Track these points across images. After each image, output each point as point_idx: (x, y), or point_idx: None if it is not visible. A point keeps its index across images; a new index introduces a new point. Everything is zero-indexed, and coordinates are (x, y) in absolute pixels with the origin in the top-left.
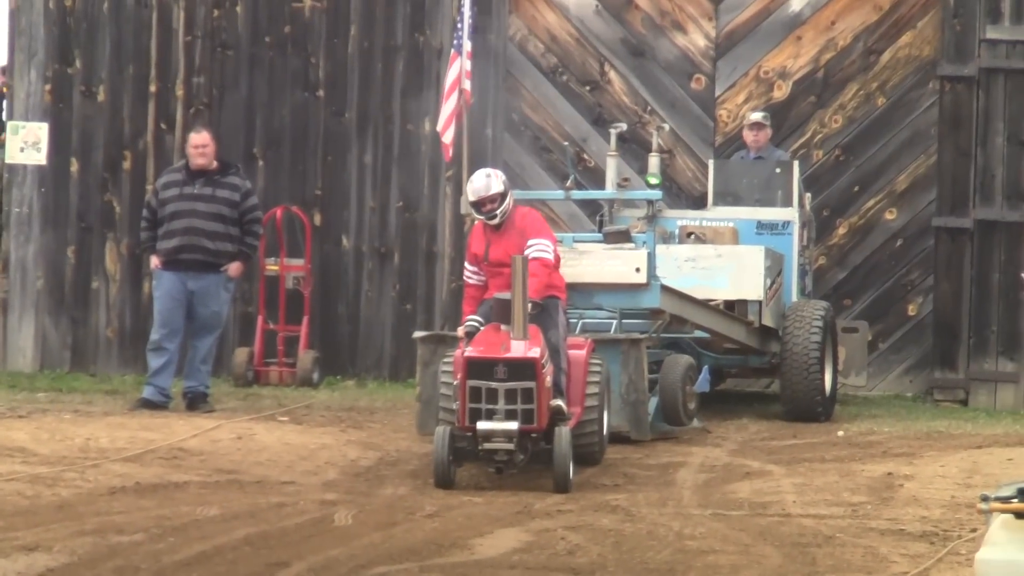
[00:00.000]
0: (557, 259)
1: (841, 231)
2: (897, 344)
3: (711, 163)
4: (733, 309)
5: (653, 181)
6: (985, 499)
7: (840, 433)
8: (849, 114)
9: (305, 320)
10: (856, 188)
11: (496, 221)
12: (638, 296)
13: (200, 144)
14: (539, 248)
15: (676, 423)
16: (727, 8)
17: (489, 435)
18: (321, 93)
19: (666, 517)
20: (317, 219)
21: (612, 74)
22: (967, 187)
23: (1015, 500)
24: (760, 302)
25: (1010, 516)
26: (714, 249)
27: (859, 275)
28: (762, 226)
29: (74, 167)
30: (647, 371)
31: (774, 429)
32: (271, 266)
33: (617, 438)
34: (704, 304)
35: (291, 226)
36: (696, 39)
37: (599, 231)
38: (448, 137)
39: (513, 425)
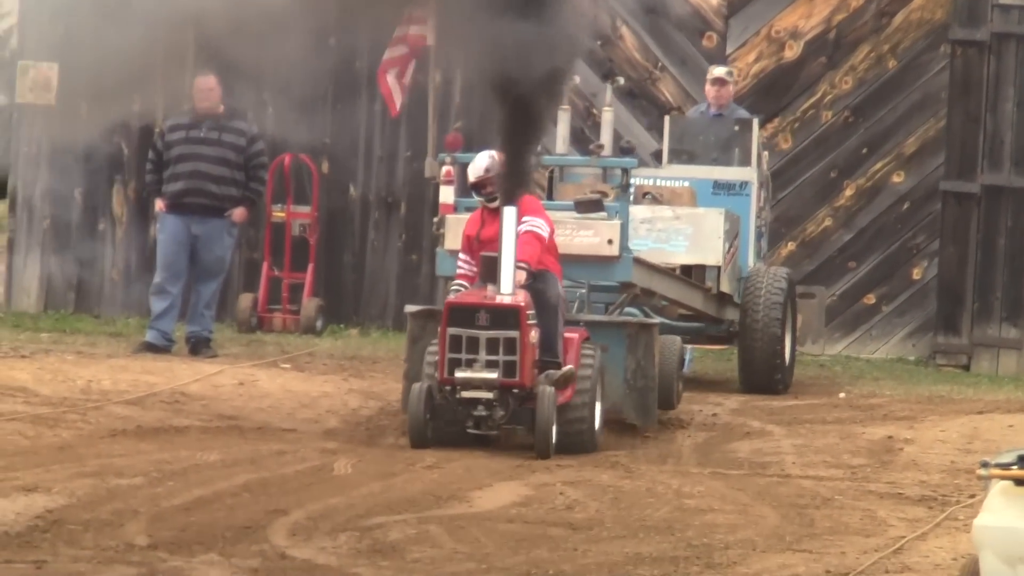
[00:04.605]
0: (553, 244)
1: (848, 193)
2: (901, 308)
3: (667, 118)
4: (689, 274)
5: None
6: (985, 465)
7: (841, 395)
8: (859, 76)
9: (310, 268)
10: (864, 150)
11: (496, 204)
12: (609, 269)
13: (206, 87)
14: (532, 223)
15: (668, 407)
16: None
17: (467, 384)
18: (332, 41)
19: (665, 475)
20: (325, 167)
21: (624, 29)
22: (975, 152)
23: (1015, 467)
24: (719, 267)
25: (1010, 483)
26: (672, 211)
27: (865, 237)
28: (718, 186)
29: (84, 108)
30: (657, 356)
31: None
32: (277, 212)
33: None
34: (670, 274)
35: (298, 173)
36: None
37: (547, 192)
38: (395, 94)
39: (493, 375)
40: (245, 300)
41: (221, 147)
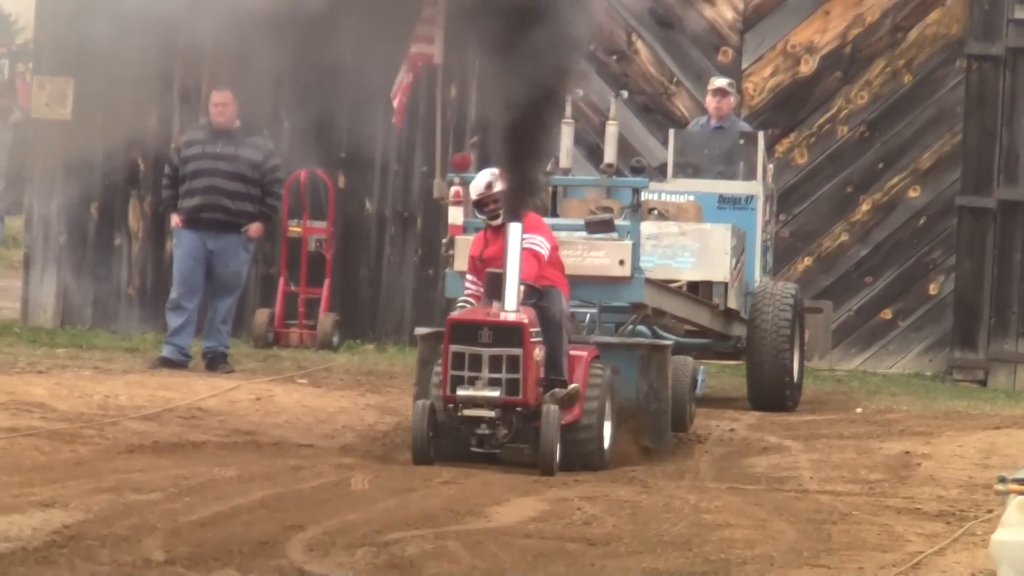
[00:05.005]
0: (557, 260)
1: (864, 208)
2: (917, 323)
3: (671, 132)
4: (696, 290)
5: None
6: (1002, 480)
7: (858, 410)
8: (875, 90)
9: (326, 283)
10: (880, 165)
11: (498, 221)
12: (620, 290)
13: (220, 102)
14: (531, 241)
15: (680, 429)
16: None
17: (469, 402)
18: (348, 56)
19: (683, 490)
20: (341, 182)
21: (639, 44)
22: (991, 167)
23: None
24: (726, 284)
25: None
26: (678, 227)
27: (881, 252)
28: (724, 200)
29: (99, 123)
30: (671, 378)
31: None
32: (294, 228)
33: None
34: (679, 292)
35: (315, 188)
36: (724, 11)
37: (551, 207)
38: (395, 104)
39: (496, 393)
40: (261, 315)
41: (237, 162)
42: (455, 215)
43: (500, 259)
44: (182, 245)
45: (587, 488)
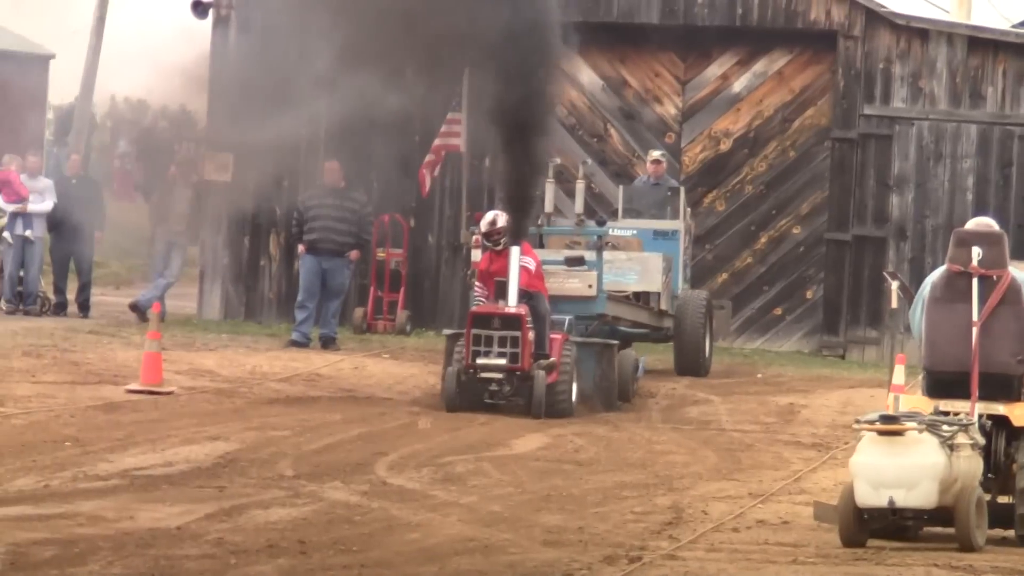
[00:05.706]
0: (540, 274)
1: (763, 240)
2: (799, 317)
3: (620, 188)
4: (639, 297)
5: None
6: (857, 422)
7: (759, 375)
8: (770, 162)
9: (402, 290)
10: (774, 211)
11: (499, 247)
12: (589, 305)
13: (331, 168)
14: (524, 261)
15: (625, 400)
16: (691, 88)
17: (485, 368)
18: (417, 139)
19: (640, 428)
20: (412, 222)
21: (612, 131)
22: (848, 212)
23: (876, 423)
24: (659, 292)
25: (873, 433)
26: (625, 255)
27: (774, 270)
28: (657, 234)
29: (250, 183)
30: (616, 366)
31: (713, 373)
32: (380, 253)
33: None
34: (627, 301)
35: (394, 226)
36: (669, 108)
37: (539, 242)
38: (427, 182)
39: (503, 361)
40: (358, 312)
41: (342, 210)
42: (476, 254)
43: (501, 272)
44: (305, 265)
45: (576, 428)
